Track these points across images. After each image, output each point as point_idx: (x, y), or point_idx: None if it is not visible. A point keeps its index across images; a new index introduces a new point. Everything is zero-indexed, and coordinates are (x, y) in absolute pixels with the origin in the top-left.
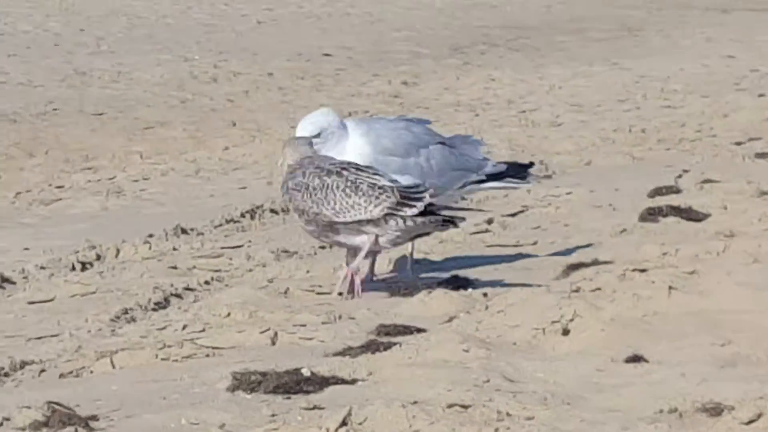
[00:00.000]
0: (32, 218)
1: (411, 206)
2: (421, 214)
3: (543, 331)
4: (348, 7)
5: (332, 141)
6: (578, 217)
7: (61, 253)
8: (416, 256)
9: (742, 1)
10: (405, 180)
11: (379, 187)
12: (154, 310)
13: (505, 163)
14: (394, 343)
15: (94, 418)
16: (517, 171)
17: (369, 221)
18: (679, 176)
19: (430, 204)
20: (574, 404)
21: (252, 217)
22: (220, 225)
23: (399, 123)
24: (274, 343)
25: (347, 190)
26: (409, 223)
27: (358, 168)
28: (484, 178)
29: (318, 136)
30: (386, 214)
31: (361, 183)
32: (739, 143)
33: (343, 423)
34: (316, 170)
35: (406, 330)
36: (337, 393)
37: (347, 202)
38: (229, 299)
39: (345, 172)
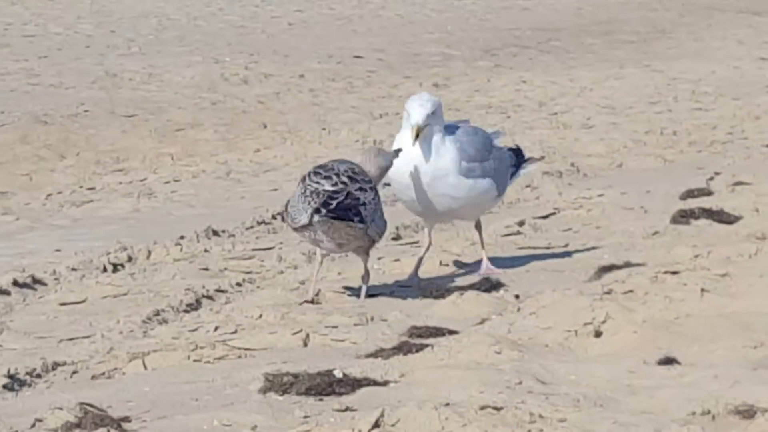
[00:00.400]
0: (63, 220)
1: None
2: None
3: (575, 333)
4: (379, 8)
5: (440, 124)
6: (610, 219)
7: (92, 254)
8: (447, 258)
9: None
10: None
11: (312, 193)
12: (185, 311)
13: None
14: (426, 345)
15: (127, 419)
16: (519, 155)
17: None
18: (711, 178)
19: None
20: (607, 406)
21: (283, 219)
22: (252, 227)
23: (470, 128)
24: (306, 345)
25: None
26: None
27: (316, 173)
28: (514, 169)
29: (433, 114)
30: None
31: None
32: None
33: (376, 425)
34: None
35: (438, 332)
36: (370, 394)
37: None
38: (260, 301)
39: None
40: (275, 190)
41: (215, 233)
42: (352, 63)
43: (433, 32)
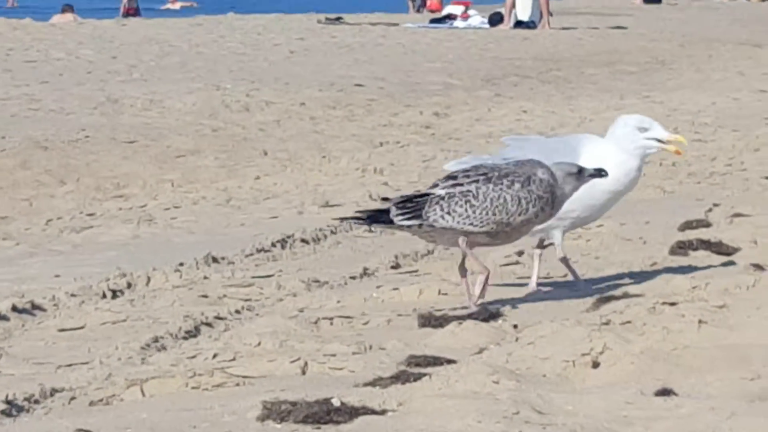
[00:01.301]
0: (63, 245)
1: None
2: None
3: (573, 363)
4: (380, 37)
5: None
6: (608, 249)
7: (91, 280)
8: (446, 287)
9: None
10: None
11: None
12: (184, 338)
13: None
14: (424, 374)
15: None
16: None
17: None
18: (710, 210)
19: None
20: None
21: (283, 247)
22: (251, 254)
23: None
24: (304, 373)
25: None
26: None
27: None
28: None
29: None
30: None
31: None
32: None
33: None
34: None
35: (437, 361)
36: (367, 423)
37: None
38: (259, 328)
39: None
40: (275, 217)
41: (215, 260)
42: (353, 91)
43: (434, 61)
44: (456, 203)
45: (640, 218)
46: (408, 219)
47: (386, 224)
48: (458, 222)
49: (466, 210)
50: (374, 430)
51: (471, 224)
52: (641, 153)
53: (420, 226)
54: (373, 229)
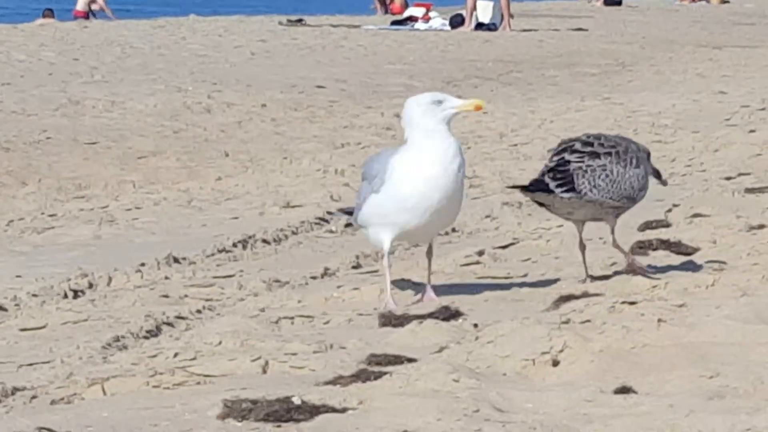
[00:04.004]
0: (25, 246)
1: None
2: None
3: (533, 361)
4: (341, 39)
5: None
6: (569, 249)
7: (53, 280)
8: (407, 286)
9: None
10: None
11: None
12: (145, 338)
13: None
14: (385, 373)
15: None
16: None
17: None
18: (669, 210)
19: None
20: None
21: (244, 247)
22: (212, 254)
23: None
24: (265, 372)
25: None
26: None
27: None
28: None
29: None
30: None
31: None
32: (728, 178)
33: None
34: None
35: (397, 360)
36: (328, 421)
37: None
38: (220, 328)
39: None
40: (236, 218)
41: (176, 260)
42: (314, 93)
43: (395, 63)
44: (598, 177)
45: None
46: (566, 191)
47: (546, 192)
48: (603, 195)
49: (607, 184)
50: (335, 428)
51: (611, 198)
52: (444, 121)
53: (579, 197)
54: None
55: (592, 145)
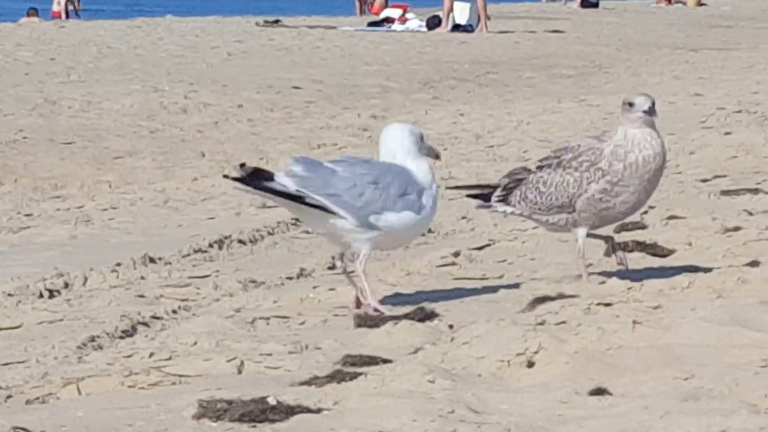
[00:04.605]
0: (0, 246)
1: None
2: None
3: (508, 363)
4: (318, 40)
5: None
6: (544, 251)
7: (29, 280)
8: (382, 288)
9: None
10: None
11: None
12: (121, 337)
13: None
14: (360, 374)
15: None
16: None
17: None
18: (645, 212)
19: None
20: None
21: (220, 248)
22: (188, 255)
23: None
24: (240, 372)
25: None
26: None
27: None
28: None
29: None
30: None
31: None
32: (704, 180)
33: None
34: None
35: (372, 360)
36: (303, 422)
37: None
38: (196, 328)
39: None
40: (212, 218)
41: (152, 260)
42: (290, 93)
43: (371, 64)
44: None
45: None
46: None
47: None
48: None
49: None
50: (310, 429)
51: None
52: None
53: None
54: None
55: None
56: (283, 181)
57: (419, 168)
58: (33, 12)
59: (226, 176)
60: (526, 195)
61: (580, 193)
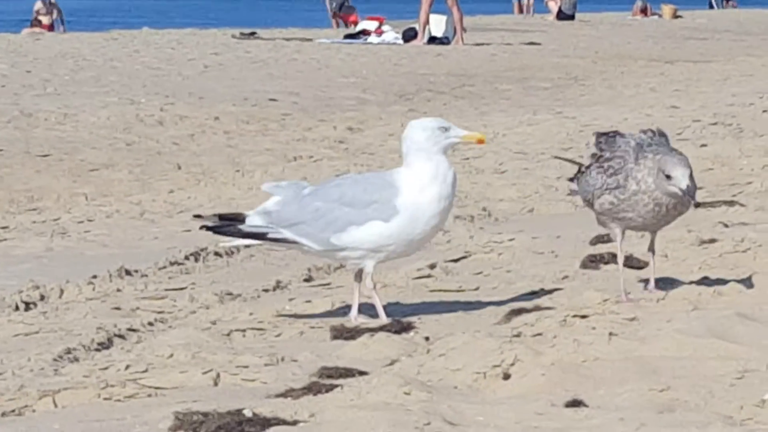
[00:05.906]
0: None
1: None
2: None
3: (484, 375)
4: (294, 52)
5: None
6: (520, 263)
7: (4, 292)
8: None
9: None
10: None
11: None
12: (97, 350)
13: None
14: (336, 386)
15: None
16: None
17: None
18: None
19: None
20: None
21: (196, 260)
22: (164, 267)
23: None
24: (216, 384)
25: None
26: None
27: None
28: None
29: None
30: None
31: None
32: None
33: None
34: None
35: (348, 372)
36: None
37: None
38: (172, 340)
39: None
40: (188, 230)
41: (128, 273)
42: (266, 106)
43: (348, 76)
44: None
45: (552, 232)
46: None
47: None
48: None
49: None
50: None
51: None
52: (444, 149)
53: None
54: None
55: None
56: (254, 221)
57: (423, 170)
58: (36, 23)
59: (197, 216)
60: (579, 179)
61: (596, 196)
